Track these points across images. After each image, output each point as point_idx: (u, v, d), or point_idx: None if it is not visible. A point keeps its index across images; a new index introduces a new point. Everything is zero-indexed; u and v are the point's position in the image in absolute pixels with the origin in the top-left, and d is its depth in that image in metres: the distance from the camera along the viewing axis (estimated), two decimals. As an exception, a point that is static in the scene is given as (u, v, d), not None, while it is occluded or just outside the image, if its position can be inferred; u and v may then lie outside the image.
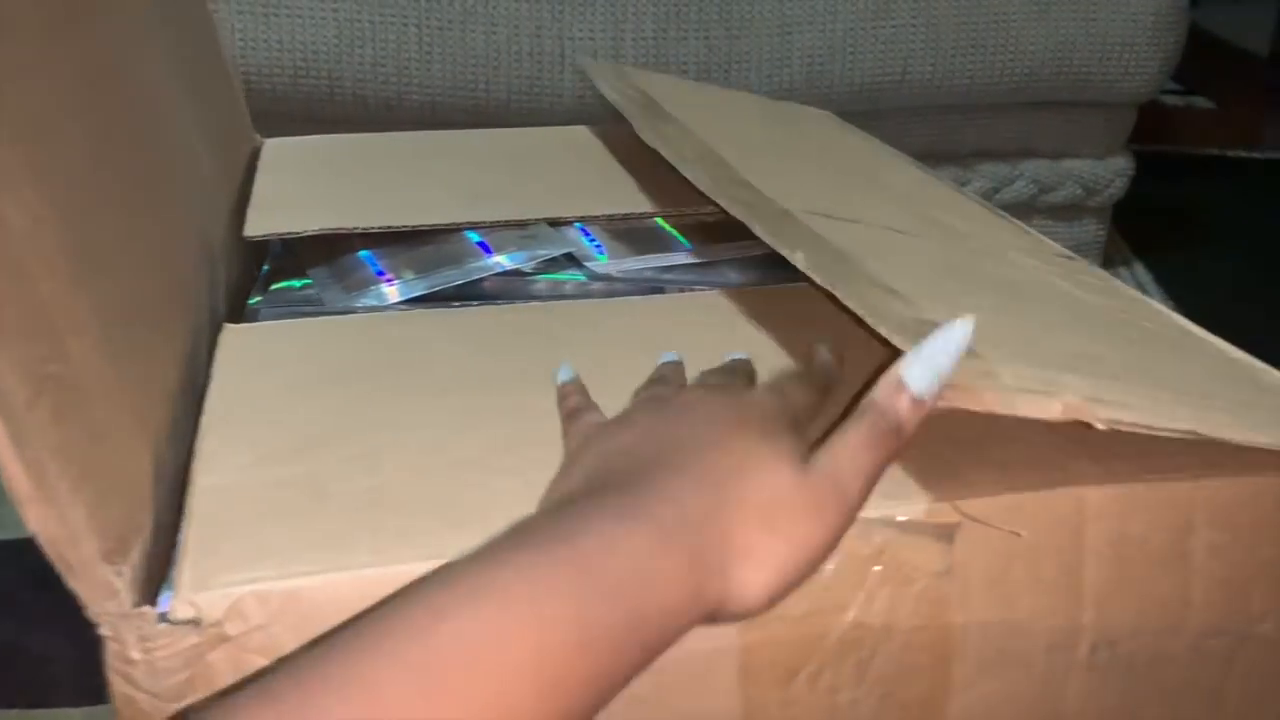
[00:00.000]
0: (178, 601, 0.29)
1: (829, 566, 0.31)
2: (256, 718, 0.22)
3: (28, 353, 0.26)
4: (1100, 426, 0.29)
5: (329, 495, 0.32)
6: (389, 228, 0.52)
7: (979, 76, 1.27)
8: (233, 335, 0.43)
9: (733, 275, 0.51)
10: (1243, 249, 1.67)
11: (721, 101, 0.73)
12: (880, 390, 0.29)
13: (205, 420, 0.36)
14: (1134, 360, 0.36)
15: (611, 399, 0.36)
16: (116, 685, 0.29)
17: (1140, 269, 1.53)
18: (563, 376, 0.38)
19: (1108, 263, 1.51)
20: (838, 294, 0.33)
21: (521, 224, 0.54)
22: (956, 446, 0.34)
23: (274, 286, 0.54)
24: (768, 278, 0.51)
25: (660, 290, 0.51)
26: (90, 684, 0.40)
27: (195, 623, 0.28)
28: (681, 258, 0.52)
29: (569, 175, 0.62)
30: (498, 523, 0.31)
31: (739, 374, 0.39)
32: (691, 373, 0.39)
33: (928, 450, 0.34)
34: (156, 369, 0.36)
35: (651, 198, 0.58)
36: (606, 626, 0.25)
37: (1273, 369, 0.40)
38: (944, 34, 1.25)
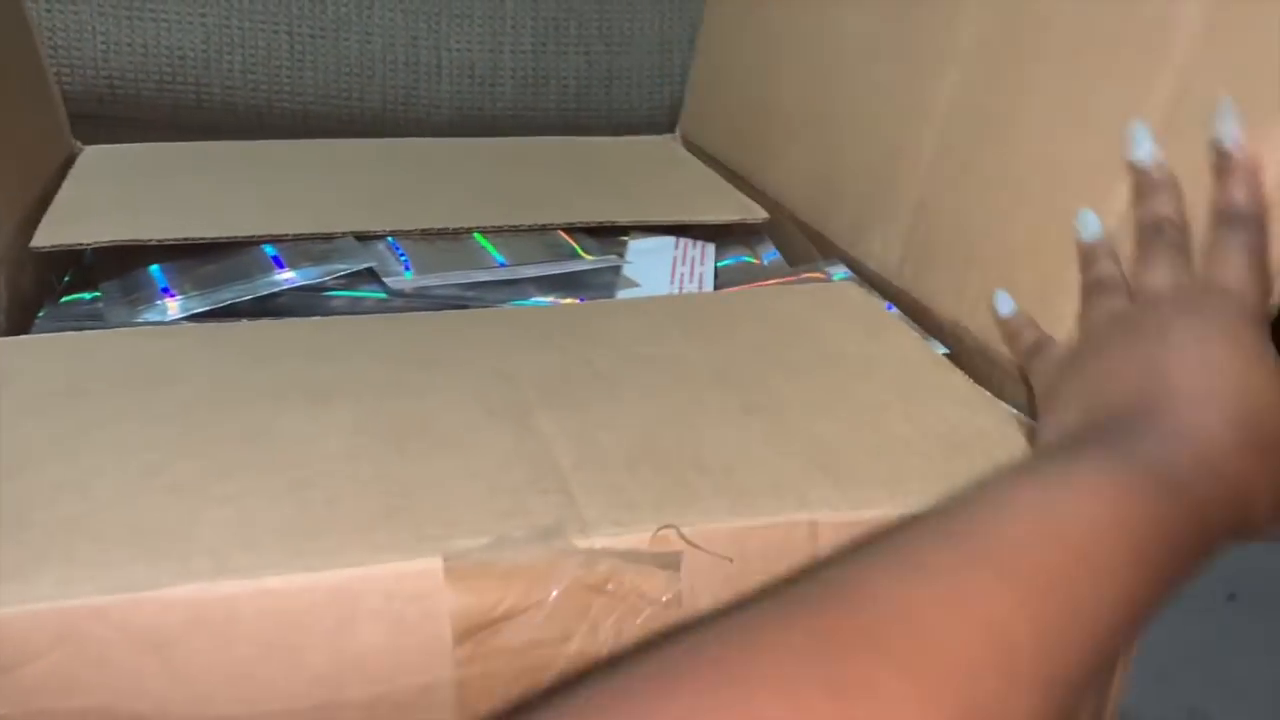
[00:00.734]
0: None
1: (555, 592, 0.30)
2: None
3: None
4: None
5: (31, 523, 0.30)
6: (180, 240, 0.50)
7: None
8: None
9: (535, 292, 0.51)
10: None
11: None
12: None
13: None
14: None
15: (353, 411, 0.35)
16: None
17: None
18: (1004, 310, 0.41)
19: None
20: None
21: (327, 237, 0.53)
22: (702, 472, 0.34)
23: (64, 299, 0.52)
24: (572, 295, 0.50)
25: (464, 307, 0.50)
26: None
27: None
28: (486, 274, 0.51)
29: (393, 187, 0.61)
30: (198, 554, 0.29)
31: (1177, 250, 0.36)
32: (439, 380, 0.38)
33: (672, 474, 0.34)
34: None
35: (474, 211, 0.57)
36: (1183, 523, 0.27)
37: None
38: (821, 56, 1.27)
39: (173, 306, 0.46)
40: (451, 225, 0.55)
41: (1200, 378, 0.31)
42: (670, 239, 0.56)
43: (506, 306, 0.49)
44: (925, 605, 0.23)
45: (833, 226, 0.57)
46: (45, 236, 0.51)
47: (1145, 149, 0.37)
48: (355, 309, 0.49)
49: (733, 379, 0.41)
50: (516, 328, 0.45)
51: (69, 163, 0.63)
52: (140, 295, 0.48)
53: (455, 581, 0.29)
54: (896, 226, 0.51)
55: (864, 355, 0.44)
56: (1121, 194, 0.39)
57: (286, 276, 0.48)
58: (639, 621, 0.31)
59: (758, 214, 0.58)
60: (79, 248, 0.50)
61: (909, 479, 0.35)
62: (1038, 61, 0.44)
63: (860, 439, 0.37)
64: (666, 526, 0.31)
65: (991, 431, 0.38)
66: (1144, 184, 0.37)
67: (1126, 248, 0.38)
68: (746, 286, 0.52)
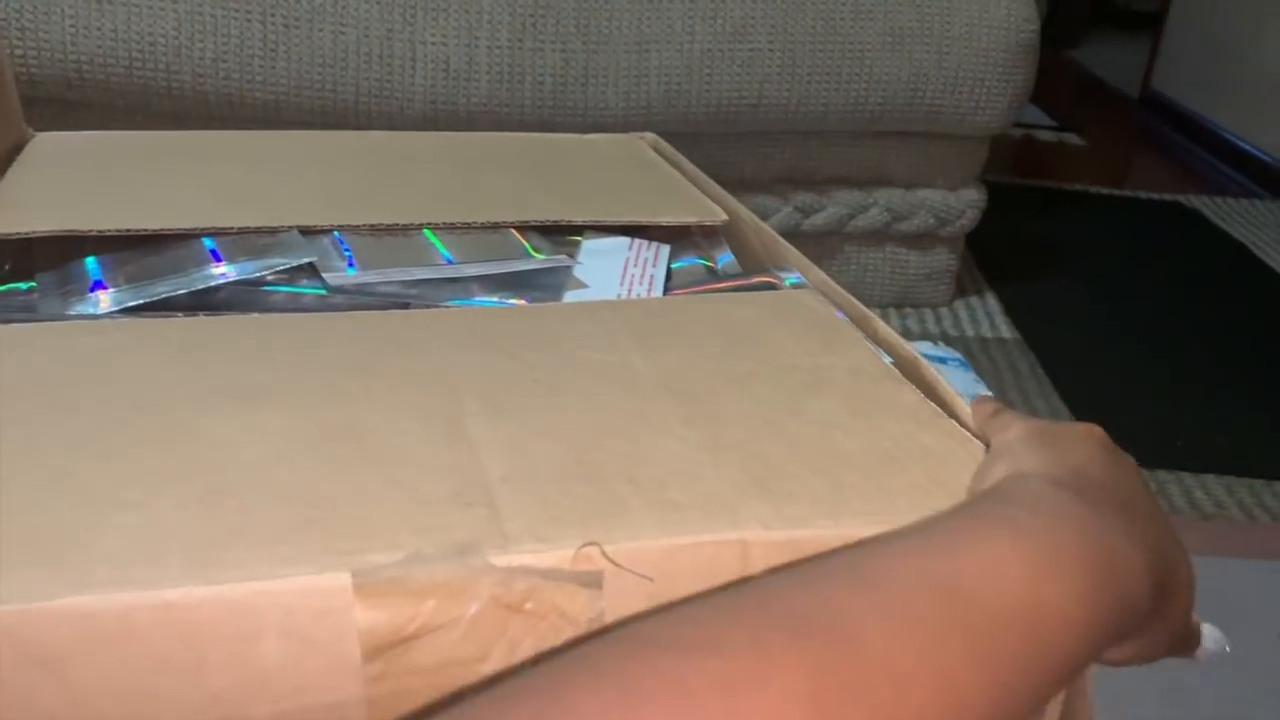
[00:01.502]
0: None
1: (471, 610, 0.29)
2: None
3: None
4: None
5: (-76, 528, 0.29)
6: (118, 231, 0.49)
7: (834, 104, 1.28)
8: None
9: (480, 292, 0.49)
10: (1091, 280, 1.72)
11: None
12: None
13: None
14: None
15: (273, 414, 0.34)
16: None
17: (991, 298, 1.56)
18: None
19: (960, 291, 1.54)
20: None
21: (272, 231, 0.51)
22: (635, 486, 0.33)
23: (1, 289, 0.50)
24: (518, 295, 0.49)
25: (405, 305, 0.49)
26: None
27: None
28: (430, 271, 0.50)
29: (349, 181, 0.59)
30: (98, 563, 0.28)
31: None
32: (373, 386, 0.37)
33: (603, 487, 0.33)
34: None
35: (428, 207, 0.55)
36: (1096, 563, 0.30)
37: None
38: (800, 60, 1.26)
39: (105, 300, 0.45)
40: (402, 221, 0.53)
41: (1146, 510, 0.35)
42: (624, 240, 0.54)
43: (449, 305, 0.48)
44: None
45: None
46: (-20, 224, 0.49)
47: None
48: (294, 305, 0.48)
49: (678, 389, 0.40)
50: (460, 331, 0.43)
51: (19, 149, 0.62)
52: (73, 288, 0.47)
53: (365, 598, 0.28)
54: None
55: (814, 366, 0.43)
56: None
57: (222, 271, 0.47)
58: (559, 642, 0.30)
59: (717, 216, 0.57)
60: (13, 238, 0.49)
61: (848, 498, 0.34)
62: None
63: (801, 455, 0.36)
64: (589, 544, 0.30)
65: (935, 449, 0.37)
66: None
67: None
68: (699, 289, 0.51)
